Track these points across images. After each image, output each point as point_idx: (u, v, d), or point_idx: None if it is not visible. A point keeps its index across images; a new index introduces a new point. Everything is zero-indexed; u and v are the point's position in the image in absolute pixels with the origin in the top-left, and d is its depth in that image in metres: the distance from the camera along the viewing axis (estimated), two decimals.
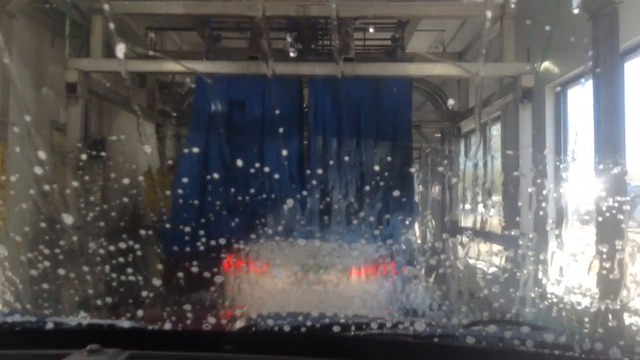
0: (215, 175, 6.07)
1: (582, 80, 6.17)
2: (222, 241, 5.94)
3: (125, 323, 1.58)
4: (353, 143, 6.18)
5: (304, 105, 6.81)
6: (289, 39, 6.87)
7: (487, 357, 1.46)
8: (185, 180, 6.11)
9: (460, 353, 1.45)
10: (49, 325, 1.54)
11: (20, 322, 1.56)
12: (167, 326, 1.56)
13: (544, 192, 6.57)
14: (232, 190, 5.95)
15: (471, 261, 9.40)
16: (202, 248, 5.97)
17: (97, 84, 5.78)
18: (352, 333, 1.46)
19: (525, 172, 5.32)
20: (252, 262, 6.15)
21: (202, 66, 5.48)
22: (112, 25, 6.06)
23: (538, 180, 6.45)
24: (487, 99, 6.41)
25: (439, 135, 9.09)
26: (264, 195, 5.98)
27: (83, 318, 1.59)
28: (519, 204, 5.30)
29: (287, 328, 1.46)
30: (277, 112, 6.38)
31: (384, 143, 6.17)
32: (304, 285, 5.95)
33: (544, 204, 6.53)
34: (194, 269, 6.10)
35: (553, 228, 6.63)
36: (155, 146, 8.20)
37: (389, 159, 6.03)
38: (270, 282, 6.05)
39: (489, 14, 5.12)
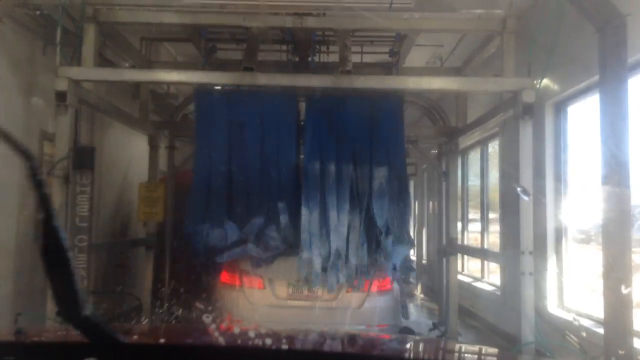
0: (219, 192, 6.05)
1: (584, 96, 6.09)
2: (219, 256, 5.87)
3: (122, 337, 1.54)
4: (349, 161, 6.10)
5: (300, 122, 6.72)
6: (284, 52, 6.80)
7: None
8: (198, 196, 6.07)
9: None
10: (45, 339, 1.55)
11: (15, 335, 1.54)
12: (164, 341, 1.56)
13: (545, 210, 6.45)
14: (233, 207, 5.93)
15: (470, 280, 9.24)
16: (202, 261, 5.95)
17: (88, 93, 5.63)
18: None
19: (525, 189, 5.20)
20: (248, 277, 6.14)
21: (196, 76, 5.36)
22: (104, 34, 6.02)
23: (541, 199, 6.35)
24: (486, 114, 6.32)
25: (436, 151, 8.98)
26: (260, 213, 5.93)
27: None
28: (523, 221, 5.16)
29: (285, 346, 1.45)
30: (274, 130, 6.31)
31: (379, 162, 6.11)
32: (299, 300, 5.93)
33: (545, 222, 6.42)
34: (192, 282, 5.95)
35: (554, 247, 6.51)
36: (148, 158, 8.04)
37: (384, 177, 5.97)
38: (266, 297, 6.00)
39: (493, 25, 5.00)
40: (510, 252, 5.90)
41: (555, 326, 6.01)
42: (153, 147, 8.03)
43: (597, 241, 7.73)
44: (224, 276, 6.09)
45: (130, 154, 8.91)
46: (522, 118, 5.22)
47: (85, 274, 4.96)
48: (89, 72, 5.30)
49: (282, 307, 5.81)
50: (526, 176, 5.21)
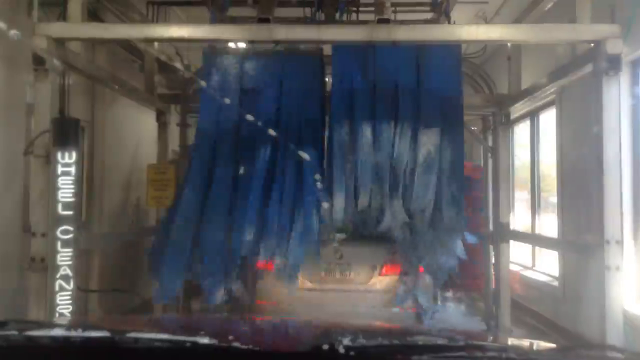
0: (225, 174, 5.19)
1: None
2: (245, 243, 5.01)
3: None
4: (389, 133, 5.09)
5: (326, 90, 5.78)
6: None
7: None
8: (195, 177, 5.23)
9: None
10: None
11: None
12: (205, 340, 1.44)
13: (620, 189, 5.39)
14: (244, 190, 5.07)
15: (518, 268, 8.18)
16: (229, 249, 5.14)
17: (75, 56, 4.73)
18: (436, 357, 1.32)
19: (612, 161, 4.15)
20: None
21: (200, 31, 4.40)
22: None
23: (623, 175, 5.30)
24: (553, 74, 5.25)
25: (482, 122, 7.93)
26: (279, 196, 5.03)
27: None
28: (608, 204, 4.13)
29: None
30: (295, 98, 5.39)
31: (428, 132, 5.07)
32: (332, 284, 5.73)
33: (621, 204, 5.36)
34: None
35: (632, 233, 5.46)
36: (157, 135, 7.18)
37: (434, 152, 4.96)
38: (300, 280, 5.51)
39: None
40: (586, 241, 4.86)
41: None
42: (162, 124, 7.15)
43: None
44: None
45: (140, 133, 8.06)
46: (606, 74, 4.16)
47: (71, 272, 4.08)
48: (72, 28, 4.38)
49: (316, 291, 5.71)
50: (612, 146, 4.16)
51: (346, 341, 1.33)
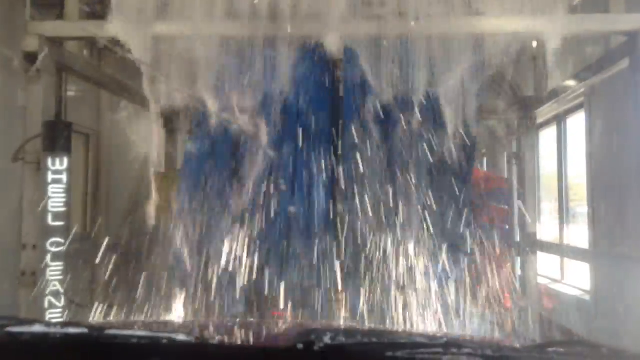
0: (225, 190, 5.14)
1: None
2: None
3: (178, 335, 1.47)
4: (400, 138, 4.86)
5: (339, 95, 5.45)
6: None
7: None
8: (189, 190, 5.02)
9: None
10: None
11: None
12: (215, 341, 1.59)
13: None
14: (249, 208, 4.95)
15: (546, 281, 7.72)
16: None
17: (72, 57, 4.47)
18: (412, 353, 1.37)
19: None
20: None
21: (207, 27, 4.11)
22: None
23: None
24: (583, 72, 4.85)
25: (506, 127, 7.52)
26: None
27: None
28: None
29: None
30: (304, 104, 5.08)
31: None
32: None
33: None
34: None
35: None
36: (164, 143, 6.90)
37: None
38: None
39: None
40: (624, 253, 4.44)
41: None
42: (170, 131, 6.88)
43: None
44: None
45: (148, 140, 7.80)
46: None
47: (60, 288, 3.79)
48: (66, 26, 4.13)
49: None
50: None
51: (326, 339, 1.38)
